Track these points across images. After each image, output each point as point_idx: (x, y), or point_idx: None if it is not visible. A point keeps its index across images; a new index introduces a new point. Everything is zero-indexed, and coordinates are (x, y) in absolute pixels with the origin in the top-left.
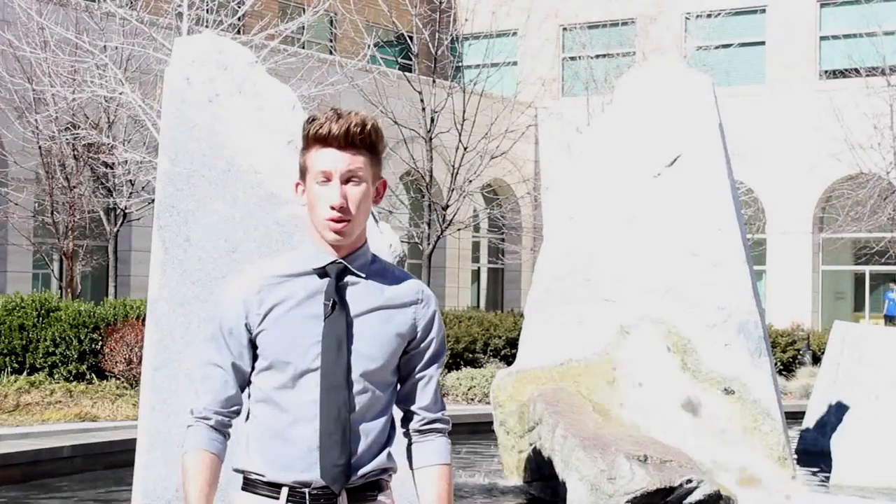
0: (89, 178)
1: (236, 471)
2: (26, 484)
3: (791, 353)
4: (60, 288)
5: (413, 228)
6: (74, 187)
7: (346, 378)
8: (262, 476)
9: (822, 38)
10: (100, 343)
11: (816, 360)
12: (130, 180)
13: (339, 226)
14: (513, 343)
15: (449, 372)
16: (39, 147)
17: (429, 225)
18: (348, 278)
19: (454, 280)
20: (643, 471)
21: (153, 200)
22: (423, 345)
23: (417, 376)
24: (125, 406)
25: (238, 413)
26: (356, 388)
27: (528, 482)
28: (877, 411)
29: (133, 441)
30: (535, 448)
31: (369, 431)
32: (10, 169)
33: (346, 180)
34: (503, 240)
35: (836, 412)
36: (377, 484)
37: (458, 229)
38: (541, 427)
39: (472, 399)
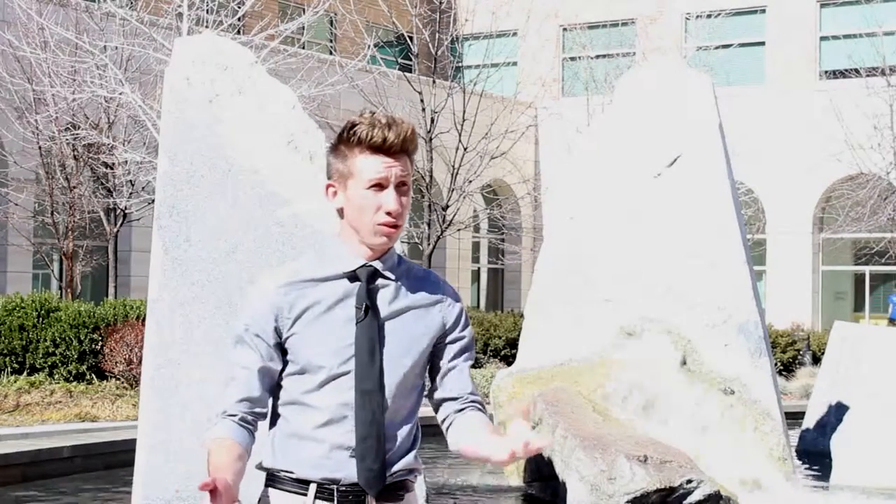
0: (89, 178)
1: (259, 468)
2: (26, 484)
3: (791, 354)
4: (60, 288)
5: (413, 229)
6: (74, 187)
7: (379, 382)
8: (291, 473)
9: (822, 38)
10: (100, 343)
11: (816, 360)
12: (130, 180)
13: (393, 231)
14: (513, 343)
15: None
16: (39, 147)
17: (429, 225)
18: (378, 281)
19: (454, 280)
20: (643, 471)
21: (153, 200)
22: (450, 337)
23: (450, 366)
24: (125, 406)
25: (264, 416)
26: (388, 391)
27: (528, 482)
28: (877, 411)
29: (133, 441)
30: None
31: (400, 434)
32: (10, 169)
33: (398, 186)
34: (503, 240)
35: (836, 412)
36: (403, 484)
37: (458, 230)
38: (541, 427)
39: None
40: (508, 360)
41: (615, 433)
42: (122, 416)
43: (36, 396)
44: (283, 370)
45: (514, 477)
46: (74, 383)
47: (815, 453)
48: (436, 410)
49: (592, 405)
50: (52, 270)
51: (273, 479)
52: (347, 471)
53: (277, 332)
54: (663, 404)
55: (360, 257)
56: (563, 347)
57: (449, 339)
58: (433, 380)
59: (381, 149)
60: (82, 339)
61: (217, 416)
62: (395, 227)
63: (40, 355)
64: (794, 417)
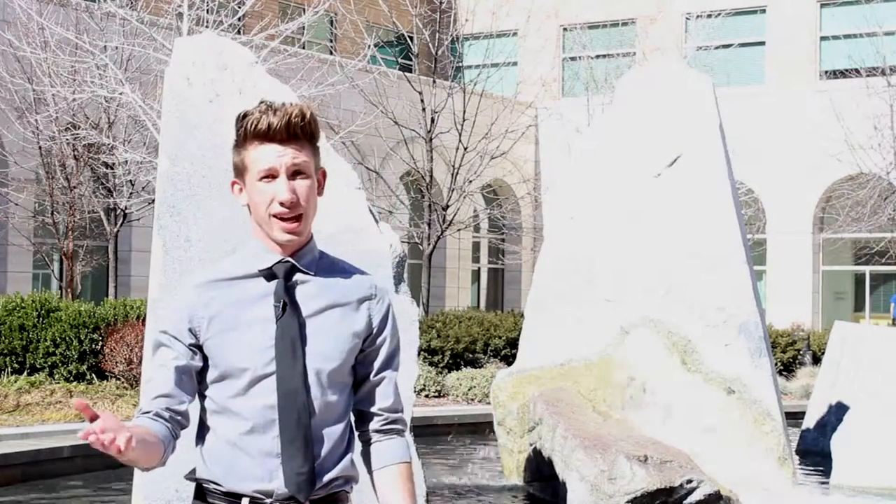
0: (89, 178)
1: (189, 478)
2: (26, 484)
3: (791, 354)
4: (60, 288)
5: (413, 228)
6: (74, 187)
7: (303, 382)
8: (220, 486)
9: (822, 38)
10: (100, 343)
11: (816, 360)
12: (130, 180)
13: (292, 225)
14: (513, 343)
15: (449, 372)
16: (40, 147)
17: (429, 225)
18: (297, 277)
19: (454, 280)
20: (643, 471)
21: (153, 200)
22: (378, 341)
23: (376, 378)
24: (125, 406)
25: (183, 415)
26: (314, 391)
27: (528, 482)
28: (877, 411)
29: None
30: (536, 448)
31: (330, 436)
32: (10, 169)
33: (292, 175)
34: (503, 240)
35: (836, 412)
36: (338, 496)
37: (459, 229)
38: (541, 427)
39: (472, 399)
40: (508, 360)
41: (615, 433)
42: (123, 416)
43: (36, 396)
44: (206, 376)
45: (514, 477)
46: (74, 383)
47: (815, 453)
48: (357, 417)
49: (592, 405)
50: (53, 270)
51: (203, 492)
52: (279, 481)
53: (193, 333)
54: (663, 404)
55: (276, 253)
56: (563, 347)
57: (377, 342)
58: (356, 386)
59: (268, 136)
60: (82, 339)
61: (135, 416)
62: (295, 218)
63: (40, 355)
64: (794, 417)
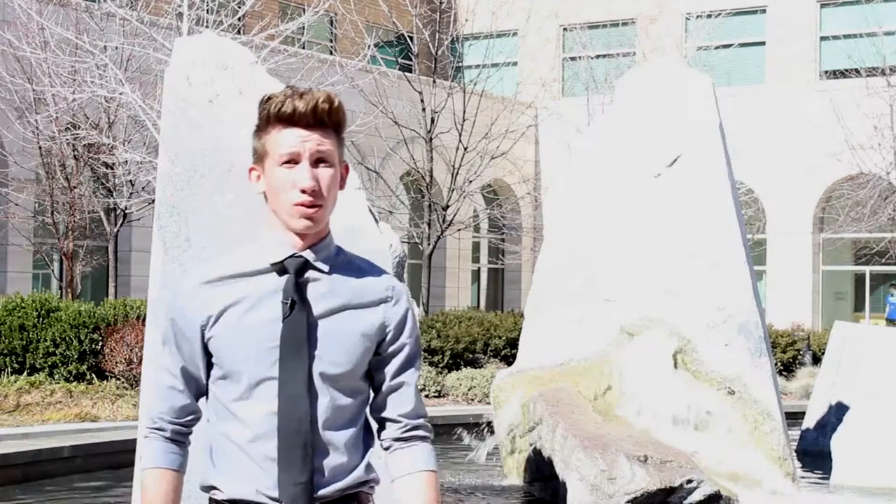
0: (89, 178)
1: (203, 489)
2: (26, 484)
3: (791, 354)
4: (60, 288)
5: (413, 228)
6: (74, 187)
7: (307, 387)
8: (228, 494)
9: (822, 38)
10: (100, 343)
11: (817, 360)
12: (130, 180)
13: (311, 211)
14: (513, 343)
15: (449, 372)
16: (40, 147)
17: (429, 225)
18: (310, 273)
19: (454, 280)
20: (643, 471)
21: (153, 200)
22: (394, 346)
23: (393, 383)
24: (125, 406)
25: (196, 420)
26: (320, 397)
27: (528, 482)
28: (877, 411)
29: (133, 441)
30: (535, 448)
31: (338, 444)
32: (10, 169)
33: (315, 162)
34: (503, 240)
35: (836, 412)
36: (356, 496)
37: (459, 229)
38: (541, 427)
39: (472, 399)
40: (508, 360)
41: (615, 433)
42: (123, 416)
43: (36, 396)
44: (210, 373)
45: (514, 477)
46: (74, 383)
47: (815, 453)
48: (378, 425)
49: (592, 405)
50: (53, 270)
51: (213, 500)
52: None
53: (201, 331)
54: (663, 404)
55: (290, 247)
56: (563, 347)
57: (393, 346)
58: (375, 393)
59: (292, 121)
60: (82, 339)
61: (148, 427)
62: (315, 206)
63: (40, 355)
64: (794, 417)
